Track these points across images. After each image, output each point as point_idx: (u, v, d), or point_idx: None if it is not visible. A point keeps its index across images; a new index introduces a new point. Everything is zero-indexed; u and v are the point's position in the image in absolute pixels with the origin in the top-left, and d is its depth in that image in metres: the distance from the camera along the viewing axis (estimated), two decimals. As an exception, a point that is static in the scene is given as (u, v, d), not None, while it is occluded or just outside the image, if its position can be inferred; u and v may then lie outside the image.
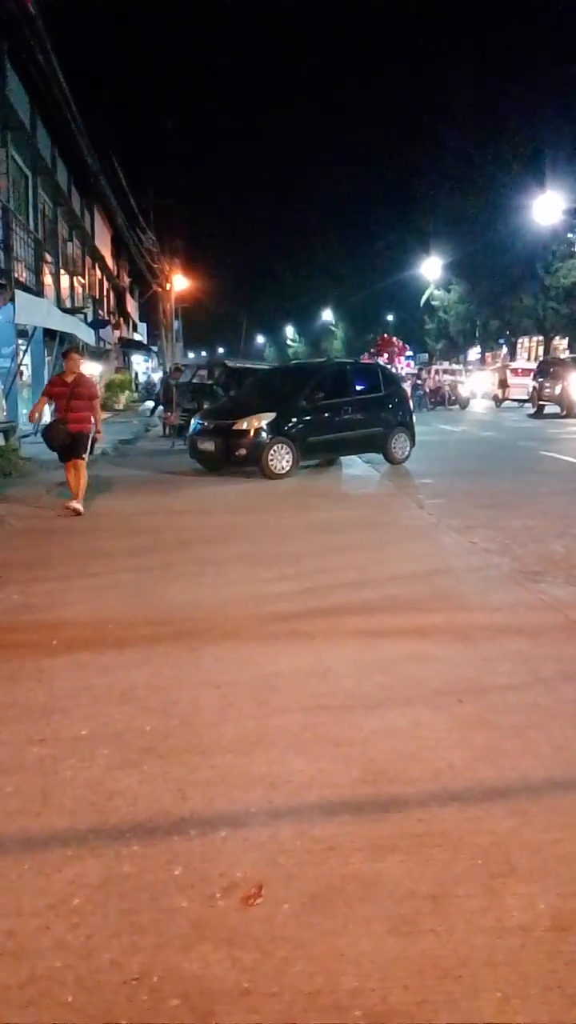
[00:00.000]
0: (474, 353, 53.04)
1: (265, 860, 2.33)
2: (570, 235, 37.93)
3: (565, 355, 31.92)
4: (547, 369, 26.61)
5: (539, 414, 25.61)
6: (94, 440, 8.83)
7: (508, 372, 32.97)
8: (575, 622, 4.51)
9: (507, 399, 31.66)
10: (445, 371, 37.51)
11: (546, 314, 41.05)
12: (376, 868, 2.28)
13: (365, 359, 16.09)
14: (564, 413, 23.94)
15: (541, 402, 25.95)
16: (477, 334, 52.08)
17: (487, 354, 52.73)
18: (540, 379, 26.51)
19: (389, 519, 8.24)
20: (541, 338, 45.41)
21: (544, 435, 18.34)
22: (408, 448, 13.04)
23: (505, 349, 51.84)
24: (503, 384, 32.10)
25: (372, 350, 35.96)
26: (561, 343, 42.98)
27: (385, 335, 34.75)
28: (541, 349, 45.62)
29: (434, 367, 40.14)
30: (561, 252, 38.78)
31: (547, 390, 25.42)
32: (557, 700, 3.46)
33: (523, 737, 3.10)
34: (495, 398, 32.62)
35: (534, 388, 26.86)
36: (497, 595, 5.14)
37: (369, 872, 2.27)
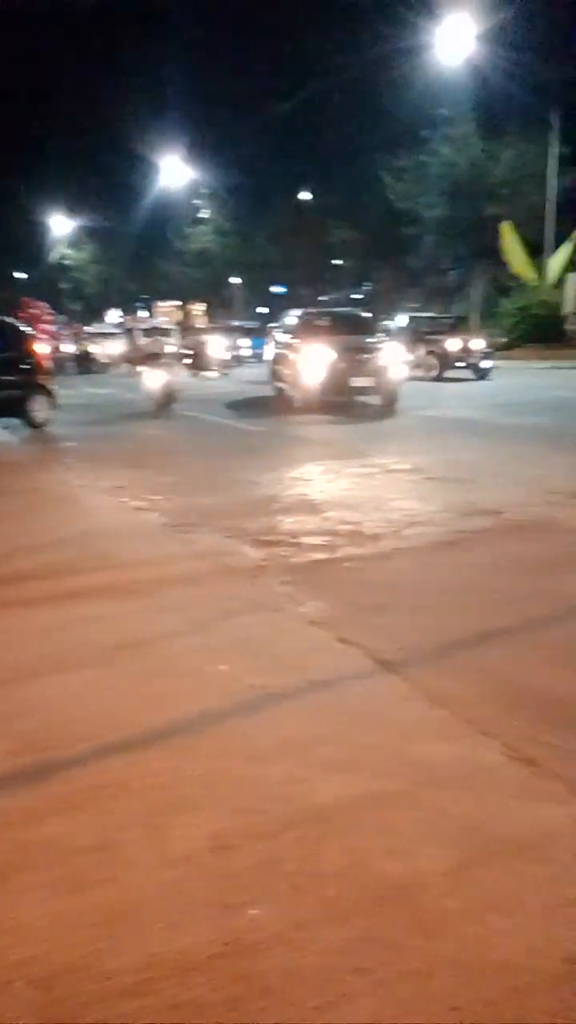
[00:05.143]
0: (114, 315, 52.62)
1: None
2: (196, 201, 39.29)
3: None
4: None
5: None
6: None
7: None
8: (223, 566, 4.77)
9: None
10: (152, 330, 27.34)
11: (182, 278, 42.32)
12: (38, 835, 2.20)
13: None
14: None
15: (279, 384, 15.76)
16: (115, 296, 51.77)
17: (127, 317, 52.70)
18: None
19: (34, 485, 7.89)
20: (180, 302, 46.72)
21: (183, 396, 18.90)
22: (49, 411, 12.59)
23: (145, 312, 52.33)
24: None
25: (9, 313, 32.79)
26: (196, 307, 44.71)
27: (25, 299, 32.37)
28: (180, 313, 46.89)
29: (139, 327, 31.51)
30: (190, 218, 40.10)
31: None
32: (213, 637, 3.63)
33: (184, 677, 3.20)
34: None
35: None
36: (151, 549, 5.22)
37: (30, 840, 2.17)
